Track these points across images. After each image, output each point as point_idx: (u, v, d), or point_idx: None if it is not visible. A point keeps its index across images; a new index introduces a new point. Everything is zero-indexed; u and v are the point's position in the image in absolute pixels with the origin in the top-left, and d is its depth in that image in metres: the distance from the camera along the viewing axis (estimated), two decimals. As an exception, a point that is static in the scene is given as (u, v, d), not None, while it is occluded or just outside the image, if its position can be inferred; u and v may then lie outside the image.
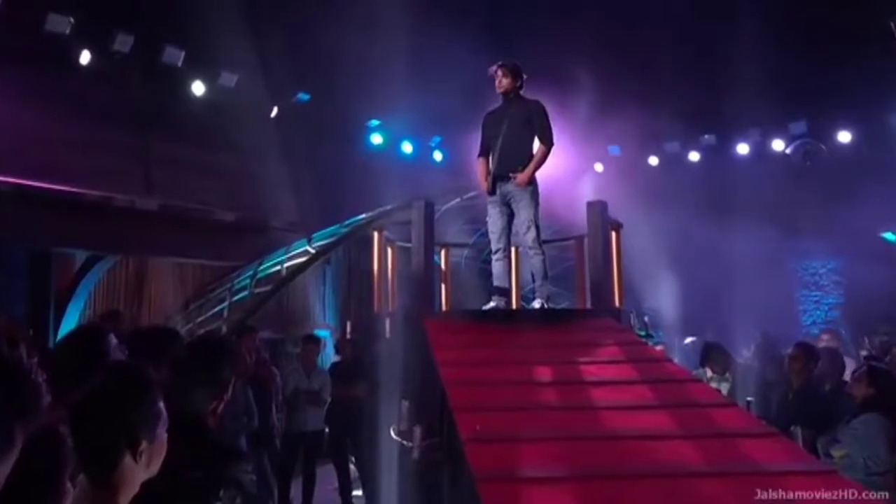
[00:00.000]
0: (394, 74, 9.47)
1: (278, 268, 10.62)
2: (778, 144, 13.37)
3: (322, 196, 11.76)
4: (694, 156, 14.07)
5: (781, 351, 7.33)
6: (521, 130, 6.05)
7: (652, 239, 10.33)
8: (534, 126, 6.06)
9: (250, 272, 10.80)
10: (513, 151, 6.04)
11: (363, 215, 10.11)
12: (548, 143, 6.04)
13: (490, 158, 6.16)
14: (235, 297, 10.68)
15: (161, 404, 2.01)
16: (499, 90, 6.17)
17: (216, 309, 10.75)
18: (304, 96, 12.04)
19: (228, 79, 11.15)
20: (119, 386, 1.97)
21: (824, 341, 7.85)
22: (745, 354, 8.76)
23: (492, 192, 6.09)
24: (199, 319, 10.67)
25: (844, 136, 12.81)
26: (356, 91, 11.09)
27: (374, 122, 13.38)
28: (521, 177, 5.94)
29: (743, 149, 13.67)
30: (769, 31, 9.48)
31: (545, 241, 6.20)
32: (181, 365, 2.86)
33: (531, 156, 6.02)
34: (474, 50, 7.92)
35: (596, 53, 10.02)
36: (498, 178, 6.06)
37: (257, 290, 10.44)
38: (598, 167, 13.96)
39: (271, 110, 11.77)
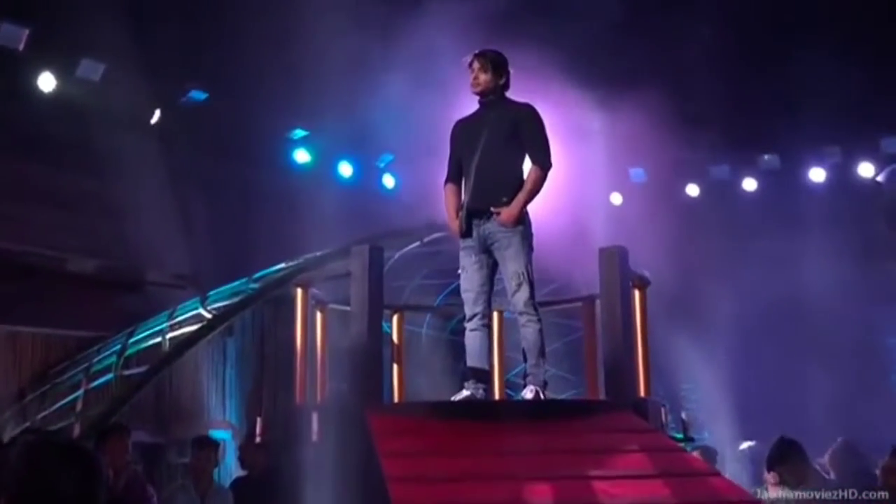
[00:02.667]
0: (327, 66, 9.58)
1: (158, 340, 10.54)
2: (866, 169, 13.71)
3: (223, 238, 11.82)
4: (749, 183, 14.36)
5: (870, 462, 7.40)
6: (506, 146, 6.09)
7: (692, 299, 10.43)
8: (523, 140, 6.14)
9: (117, 346, 10.69)
10: (494, 176, 6.06)
11: (281, 266, 10.10)
12: (543, 164, 6.09)
13: (463, 186, 6.22)
14: (95, 383, 10.53)
15: None
16: (474, 90, 6.22)
17: (67, 399, 10.59)
18: (198, 95, 12.15)
19: (91, 69, 11.20)
20: None
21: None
22: (819, 462, 8.83)
23: (466, 233, 6.12)
24: (42, 415, 10.48)
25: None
26: (274, 89, 11.20)
27: (299, 133, 13.54)
28: (508, 212, 5.98)
29: (817, 174, 13.97)
30: (848, 23, 9.84)
31: (542, 304, 6.24)
32: (13, 485, 2.83)
33: (520, 182, 6.08)
34: (445, 34, 8.06)
35: (611, 41, 10.26)
36: (474, 213, 6.08)
37: (127, 373, 10.33)
38: (616, 198, 14.13)
39: (152, 114, 11.86)
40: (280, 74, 10.77)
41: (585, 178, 10.91)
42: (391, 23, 9.36)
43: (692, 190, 14.46)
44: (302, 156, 13.55)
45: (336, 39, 9.21)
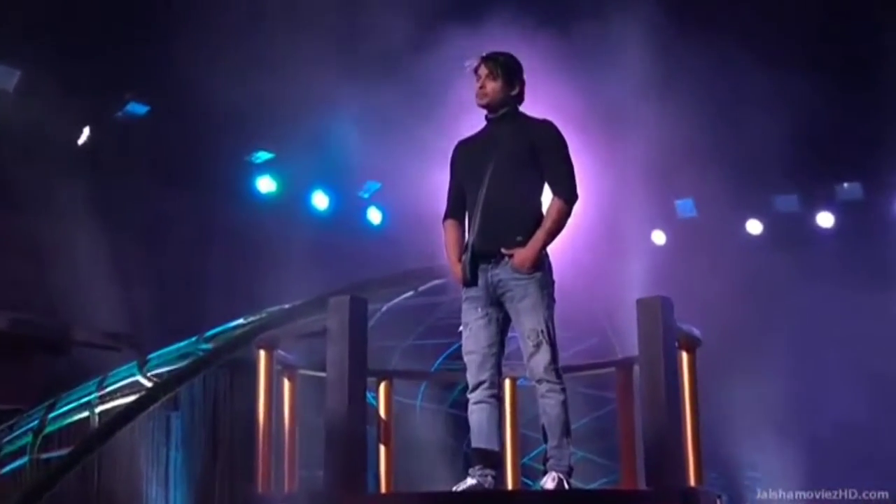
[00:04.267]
0: (298, 73, 9.63)
1: (86, 414, 10.54)
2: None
3: (168, 287, 11.85)
4: (825, 218, 14.37)
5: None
6: (521, 173, 6.03)
7: (754, 361, 10.40)
8: (542, 165, 6.12)
9: (34, 422, 10.65)
10: (506, 210, 5.99)
11: (240, 321, 10.10)
12: (567, 196, 6.03)
13: (467, 222, 6.23)
14: (5, 469, 10.48)
15: None
16: (480, 102, 6.17)
17: (-31, 490, 10.64)
18: (138, 109, 12.21)
19: (4, 76, 11.27)
20: None
21: None
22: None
23: (470, 281, 6.12)
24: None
25: None
26: (231, 101, 11.22)
27: (263, 156, 13.62)
28: (523, 255, 5.93)
29: (909, 207, 14.04)
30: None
31: (565, 370, 6.20)
32: None
33: (538, 218, 6.06)
34: (443, 37, 8.13)
35: (652, 51, 10.35)
36: (481, 256, 6.02)
37: (46, 456, 10.31)
38: (658, 237, 14.21)
39: (80, 133, 11.93)
40: (239, 84, 10.81)
41: (620, 211, 10.96)
42: (379, 21, 9.43)
43: (753, 226, 14.49)
44: (266, 184, 13.68)
45: (308, 40, 9.29)
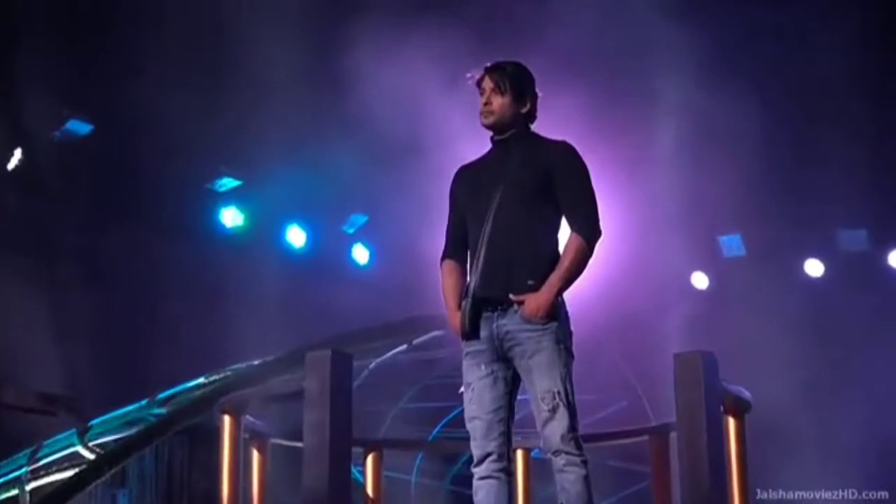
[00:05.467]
0: (269, 84, 9.67)
1: (14, 492, 10.50)
2: None
3: (114, 339, 11.83)
4: (899, 259, 14.46)
5: None
6: (533, 205, 5.94)
7: (815, 428, 10.39)
8: (558, 195, 6.12)
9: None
10: (515, 249, 5.91)
11: (200, 380, 10.11)
12: (588, 232, 5.94)
13: (469, 264, 6.23)
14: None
15: None
16: (485, 121, 6.14)
17: None
18: (80, 127, 12.22)
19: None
20: None
21: None
22: None
23: (472, 333, 6.11)
24: None
25: None
26: (190, 118, 11.26)
27: (228, 183, 13.65)
28: (535, 303, 5.86)
29: None
30: None
31: (587, 439, 6.19)
32: None
33: (553, 258, 6.08)
34: (442, 42, 8.18)
35: (699, 69, 10.45)
36: (485, 304, 6.03)
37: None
38: (700, 280, 14.21)
39: (10, 156, 11.91)
40: (199, 97, 10.85)
41: (653, 250, 10.96)
42: (365, 23, 9.49)
43: (814, 267, 14.44)
44: (232, 216, 13.74)
45: (281, 45, 9.32)
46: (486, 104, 6.11)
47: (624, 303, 8.50)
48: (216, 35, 9.89)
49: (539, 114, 6.24)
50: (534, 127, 6.20)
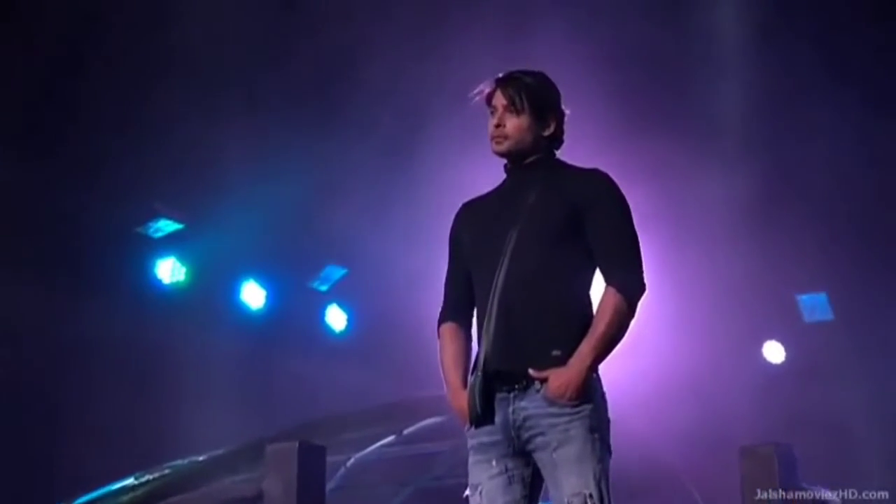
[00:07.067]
0: (219, 107, 9.69)
1: None
2: None
3: (15, 427, 11.72)
4: None
5: None
6: (557, 252, 5.82)
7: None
8: (589, 240, 6.00)
9: None
10: (536, 308, 5.85)
11: (129, 481, 10.06)
12: (629, 287, 5.80)
13: (477, 328, 6.09)
14: None
15: None
16: (496, 148, 5.97)
17: None
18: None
19: None
20: None
21: None
22: None
23: (482, 418, 6.01)
24: None
25: None
26: (115, 144, 11.29)
27: (166, 226, 13.53)
28: (563, 379, 5.63)
29: None
30: None
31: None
32: None
33: (585, 320, 5.89)
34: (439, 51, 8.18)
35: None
36: (498, 380, 5.92)
37: None
38: (773, 351, 14.17)
39: None
40: (128, 120, 10.88)
41: (713, 312, 10.92)
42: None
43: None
44: (170, 269, 13.59)
45: (232, 62, 9.34)
46: (497, 126, 5.99)
47: (675, 381, 8.48)
48: (152, 38, 9.93)
49: (567, 137, 6.17)
50: (559, 154, 6.15)
